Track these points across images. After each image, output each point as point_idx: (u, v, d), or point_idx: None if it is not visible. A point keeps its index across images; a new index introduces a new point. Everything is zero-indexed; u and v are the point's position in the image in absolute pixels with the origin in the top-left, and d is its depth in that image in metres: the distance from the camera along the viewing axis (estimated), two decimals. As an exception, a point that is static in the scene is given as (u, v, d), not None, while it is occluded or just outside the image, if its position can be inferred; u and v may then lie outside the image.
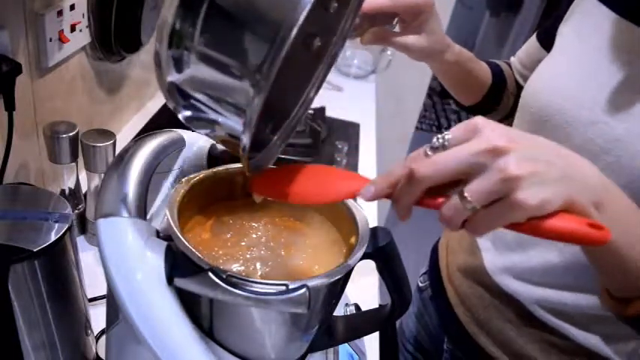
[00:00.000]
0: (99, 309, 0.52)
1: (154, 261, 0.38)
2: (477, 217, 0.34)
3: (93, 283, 0.58)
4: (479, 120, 0.35)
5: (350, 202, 0.46)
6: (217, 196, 0.48)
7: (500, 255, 0.67)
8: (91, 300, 0.65)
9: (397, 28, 0.66)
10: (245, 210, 0.48)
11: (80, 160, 0.73)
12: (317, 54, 0.45)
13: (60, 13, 0.74)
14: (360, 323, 0.50)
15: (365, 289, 0.83)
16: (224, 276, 0.35)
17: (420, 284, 0.88)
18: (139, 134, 1.07)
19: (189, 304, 0.39)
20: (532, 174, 0.33)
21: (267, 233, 0.47)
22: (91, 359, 0.57)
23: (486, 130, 0.34)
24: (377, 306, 0.55)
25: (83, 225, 0.80)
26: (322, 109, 1.32)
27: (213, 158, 0.52)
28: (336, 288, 0.43)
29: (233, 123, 0.36)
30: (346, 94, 1.62)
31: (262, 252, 0.45)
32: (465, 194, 0.33)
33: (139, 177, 0.43)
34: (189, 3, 0.33)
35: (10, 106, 0.64)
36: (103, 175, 0.73)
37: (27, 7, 0.68)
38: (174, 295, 0.38)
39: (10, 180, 0.71)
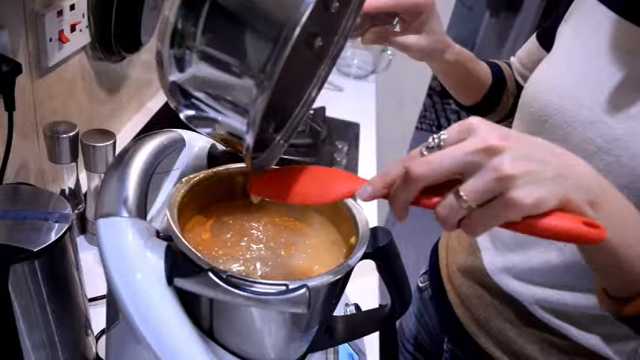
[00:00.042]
0: (99, 309, 0.52)
1: (154, 261, 0.38)
2: (473, 217, 0.34)
3: (93, 283, 0.58)
4: (474, 120, 0.35)
5: (350, 202, 0.46)
6: (217, 196, 0.48)
7: (500, 255, 0.67)
8: (91, 300, 0.65)
9: (398, 28, 0.66)
10: (245, 210, 0.48)
11: (80, 160, 0.73)
12: (318, 53, 0.45)
13: (60, 13, 0.74)
14: (360, 323, 0.50)
15: (365, 289, 0.83)
16: (224, 276, 0.35)
17: (420, 284, 0.88)
18: (139, 134, 1.07)
19: (189, 304, 0.39)
20: (527, 173, 0.33)
21: (267, 233, 0.47)
22: (91, 359, 0.57)
23: (481, 130, 0.34)
24: (377, 306, 0.55)
25: (83, 225, 0.80)
26: (322, 109, 1.32)
27: (213, 158, 0.52)
28: (336, 288, 0.43)
29: (236, 123, 0.36)
30: (346, 94, 1.62)
31: (262, 252, 0.45)
32: (461, 193, 0.34)
33: (139, 177, 0.43)
34: (191, 2, 0.33)
35: (10, 106, 0.64)
36: (103, 175, 0.73)
37: (27, 7, 0.68)
38: (174, 295, 0.38)
39: (10, 180, 0.71)
